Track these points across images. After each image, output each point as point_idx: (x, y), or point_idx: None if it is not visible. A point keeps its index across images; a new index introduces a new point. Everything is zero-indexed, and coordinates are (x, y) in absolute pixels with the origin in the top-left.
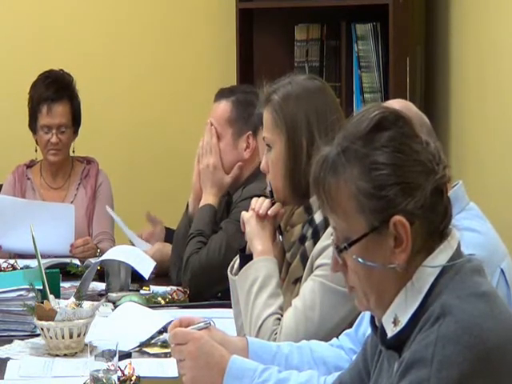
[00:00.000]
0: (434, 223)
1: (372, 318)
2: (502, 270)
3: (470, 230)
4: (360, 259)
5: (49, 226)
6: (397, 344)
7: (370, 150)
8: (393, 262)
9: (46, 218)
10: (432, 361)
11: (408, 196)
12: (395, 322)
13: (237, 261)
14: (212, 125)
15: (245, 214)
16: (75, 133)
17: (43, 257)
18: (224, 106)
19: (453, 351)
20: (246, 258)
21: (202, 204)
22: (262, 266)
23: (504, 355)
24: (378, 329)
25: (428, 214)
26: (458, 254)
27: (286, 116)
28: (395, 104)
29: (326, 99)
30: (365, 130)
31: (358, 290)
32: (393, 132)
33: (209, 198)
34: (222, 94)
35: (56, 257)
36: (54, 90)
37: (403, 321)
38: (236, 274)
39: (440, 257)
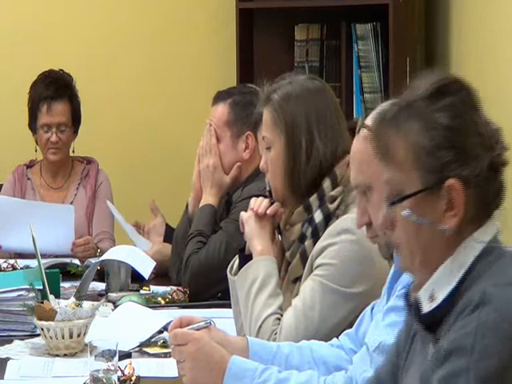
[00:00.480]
0: (487, 198)
1: (406, 296)
2: None
3: None
4: (411, 214)
5: (49, 227)
6: (431, 322)
7: (432, 111)
8: (443, 224)
9: (45, 219)
10: (472, 350)
11: (464, 163)
12: (432, 298)
13: (236, 261)
14: (211, 125)
15: (244, 214)
16: (75, 132)
17: (43, 257)
18: (221, 109)
19: (492, 340)
20: (246, 258)
21: (201, 204)
22: (262, 265)
23: None
24: (411, 307)
25: (482, 186)
26: (496, 240)
27: (285, 116)
28: None
29: (326, 100)
30: (429, 91)
31: (404, 249)
32: (456, 98)
33: (209, 198)
34: (219, 97)
35: (56, 257)
36: (54, 89)
37: (440, 297)
38: (235, 274)
39: (485, 236)
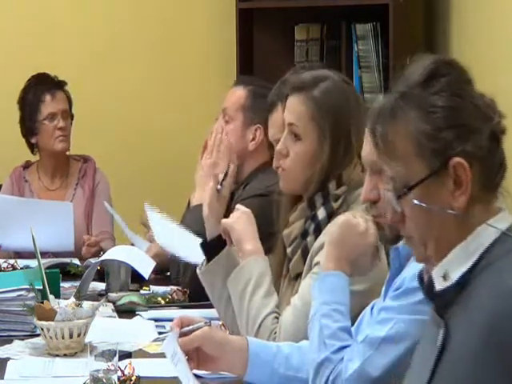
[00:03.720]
0: (492, 170)
1: (420, 274)
2: None
3: None
4: (420, 203)
5: (48, 225)
6: (442, 301)
7: (428, 95)
8: (453, 207)
9: (44, 217)
10: None
11: (466, 139)
12: (445, 277)
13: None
14: (223, 112)
15: (226, 222)
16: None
17: (43, 256)
18: (240, 92)
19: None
20: (211, 248)
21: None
22: (254, 265)
23: None
24: (424, 284)
25: (486, 158)
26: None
27: (328, 115)
28: None
29: (358, 106)
30: (422, 76)
31: (416, 239)
32: (450, 77)
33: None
34: (241, 81)
35: (56, 256)
36: (51, 81)
37: (453, 277)
38: (206, 267)
39: (501, 222)
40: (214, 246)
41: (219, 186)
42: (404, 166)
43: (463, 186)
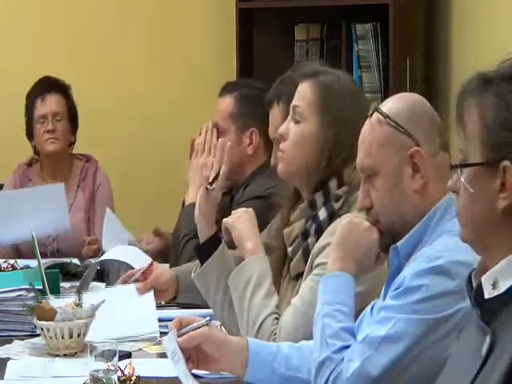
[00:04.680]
0: None
1: (469, 280)
2: None
3: None
4: (466, 184)
5: (42, 209)
6: (489, 309)
7: (508, 91)
8: (495, 206)
9: (37, 202)
10: None
11: None
12: (494, 285)
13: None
14: (214, 127)
15: (227, 221)
16: (73, 133)
17: (43, 256)
18: (227, 102)
19: None
20: (205, 251)
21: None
22: (255, 265)
23: None
24: (473, 289)
25: None
26: None
27: (330, 101)
28: (409, 97)
29: (362, 107)
30: (510, 71)
31: (462, 216)
32: None
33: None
34: (226, 89)
35: (56, 256)
36: (47, 85)
37: (502, 287)
38: (202, 269)
39: None
40: (206, 249)
41: (209, 187)
42: (467, 142)
43: (508, 190)
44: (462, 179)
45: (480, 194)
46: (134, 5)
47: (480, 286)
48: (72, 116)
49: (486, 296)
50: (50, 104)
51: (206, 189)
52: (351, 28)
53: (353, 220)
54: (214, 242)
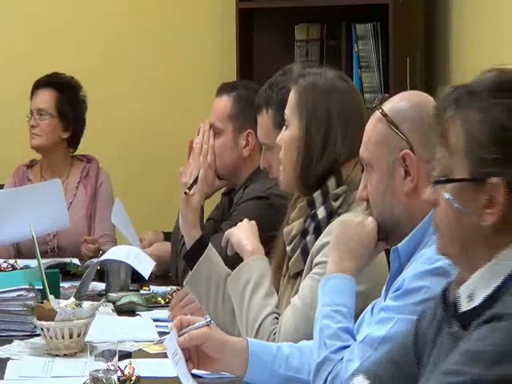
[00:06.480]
0: None
1: (444, 292)
2: None
3: None
4: (452, 199)
5: (41, 207)
6: (466, 320)
7: (494, 104)
8: (480, 222)
9: (35, 200)
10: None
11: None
12: (470, 297)
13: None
14: (211, 127)
15: (228, 230)
16: (64, 129)
17: (43, 255)
18: (225, 102)
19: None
20: (195, 254)
21: None
22: (255, 266)
23: None
24: (447, 304)
25: None
26: None
27: (307, 103)
28: (414, 97)
29: (352, 103)
30: (494, 84)
31: (443, 230)
32: None
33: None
34: (223, 89)
35: (56, 255)
36: (44, 81)
37: (478, 299)
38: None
39: None
40: (194, 254)
41: (187, 191)
42: (451, 156)
43: (495, 206)
44: (446, 193)
45: (464, 209)
46: (134, 5)
47: (456, 299)
48: (62, 109)
49: (463, 309)
50: (37, 100)
51: (185, 193)
52: (351, 28)
53: (344, 219)
54: (200, 246)
